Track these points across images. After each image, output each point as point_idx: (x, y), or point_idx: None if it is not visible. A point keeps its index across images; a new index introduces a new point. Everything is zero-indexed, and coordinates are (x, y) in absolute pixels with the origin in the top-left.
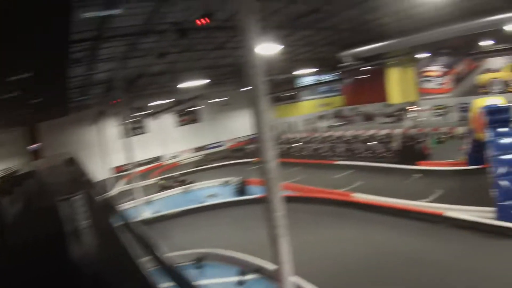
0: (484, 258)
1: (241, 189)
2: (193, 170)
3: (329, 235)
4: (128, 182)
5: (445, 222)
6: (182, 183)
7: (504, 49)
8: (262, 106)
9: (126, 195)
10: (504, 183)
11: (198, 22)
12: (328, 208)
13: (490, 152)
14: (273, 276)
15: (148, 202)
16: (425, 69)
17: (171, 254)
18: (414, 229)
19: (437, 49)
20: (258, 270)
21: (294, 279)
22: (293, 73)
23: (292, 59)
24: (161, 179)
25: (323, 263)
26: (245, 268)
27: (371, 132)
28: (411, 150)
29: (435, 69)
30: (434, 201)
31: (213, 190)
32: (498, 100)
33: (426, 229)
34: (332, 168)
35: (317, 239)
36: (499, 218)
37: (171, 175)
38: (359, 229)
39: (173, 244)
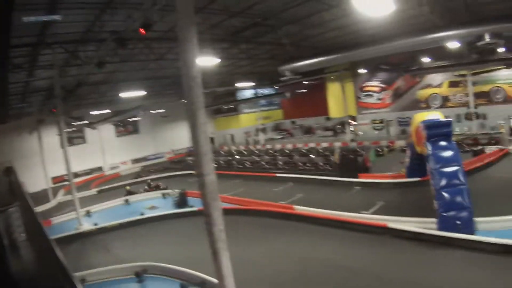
0: (426, 267)
1: (181, 201)
2: (133, 182)
3: (270, 248)
4: (68, 193)
5: (388, 233)
6: (157, 188)
7: (444, 66)
8: (200, 118)
9: (65, 206)
10: (445, 194)
11: (141, 30)
12: (269, 221)
13: (430, 165)
14: None
15: (88, 214)
16: (365, 84)
17: (111, 268)
18: (357, 241)
19: (377, 64)
20: (201, 284)
21: None
22: (233, 85)
23: (232, 72)
24: (127, 184)
25: (263, 275)
26: (187, 281)
27: (312, 145)
28: (351, 163)
29: (375, 84)
30: (375, 212)
31: (153, 202)
32: (437, 115)
33: (369, 240)
34: (272, 180)
35: (258, 252)
36: (441, 228)
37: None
38: (301, 241)
39: (113, 257)
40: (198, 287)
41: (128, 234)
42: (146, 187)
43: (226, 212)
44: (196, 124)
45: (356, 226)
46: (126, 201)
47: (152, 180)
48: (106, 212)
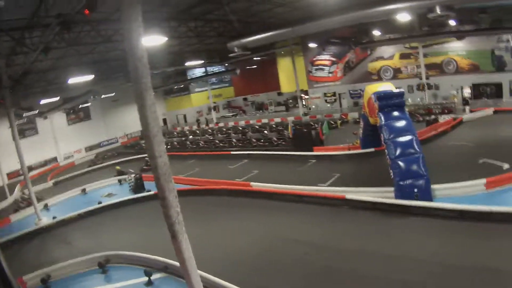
0: (385, 237)
1: (137, 186)
2: (89, 170)
3: (230, 227)
4: (24, 188)
5: (346, 205)
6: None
7: (394, 39)
8: (148, 99)
9: (22, 201)
10: (400, 163)
11: (86, 11)
12: (227, 199)
13: (384, 135)
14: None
15: (46, 208)
16: (316, 58)
17: (74, 261)
18: (316, 214)
19: (327, 38)
20: (164, 268)
21: (199, 273)
22: (183, 65)
23: (182, 51)
24: (116, 164)
25: (225, 255)
26: (151, 267)
27: (265, 121)
28: (305, 136)
29: (325, 58)
30: (332, 185)
31: (109, 189)
32: (389, 86)
33: (328, 212)
34: (227, 158)
35: (219, 232)
36: (398, 197)
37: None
38: (260, 218)
39: (75, 250)
40: (161, 272)
41: (88, 224)
42: (144, 166)
43: (183, 193)
44: (144, 105)
45: (314, 199)
46: (83, 190)
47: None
48: (64, 204)
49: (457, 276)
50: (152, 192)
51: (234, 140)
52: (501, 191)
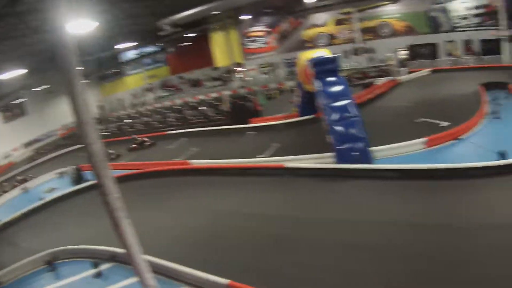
0: (328, 202)
1: (78, 177)
2: (29, 167)
3: (174, 207)
4: None
5: (287, 173)
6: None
7: (327, 5)
8: (78, 87)
9: None
10: (338, 128)
11: None
12: (168, 180)
13: (321, 101)
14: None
15: None
16: (249, 30)
17: (22, 263)
18: (258, 185)
19: (260, 9)
20: (112, 257)
21: (146, 258)
22: (115, 48)
23: (113, 34)
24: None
25: (173, 236)
26: (99, 258)
27: (201, 97)
28: (242, 109)
29: (259, 29)
30: (272, 155)
31: (50, 184)
32: (323, 52)
33: (269, 182)
34: (166, 139)
35: (163, 213)
36: (339, 161)
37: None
38: (202, 194)
39: (22, 251)
40: (110, 261)
41: (33, 223)
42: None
43: (122, 179)
44: (74, 93)
45: (254, 171)
46: (24, 189)
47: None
48: (7, 205)
49: (408, 234)
50: (93, 182)
51: (171, 119)
52: (440, 149)
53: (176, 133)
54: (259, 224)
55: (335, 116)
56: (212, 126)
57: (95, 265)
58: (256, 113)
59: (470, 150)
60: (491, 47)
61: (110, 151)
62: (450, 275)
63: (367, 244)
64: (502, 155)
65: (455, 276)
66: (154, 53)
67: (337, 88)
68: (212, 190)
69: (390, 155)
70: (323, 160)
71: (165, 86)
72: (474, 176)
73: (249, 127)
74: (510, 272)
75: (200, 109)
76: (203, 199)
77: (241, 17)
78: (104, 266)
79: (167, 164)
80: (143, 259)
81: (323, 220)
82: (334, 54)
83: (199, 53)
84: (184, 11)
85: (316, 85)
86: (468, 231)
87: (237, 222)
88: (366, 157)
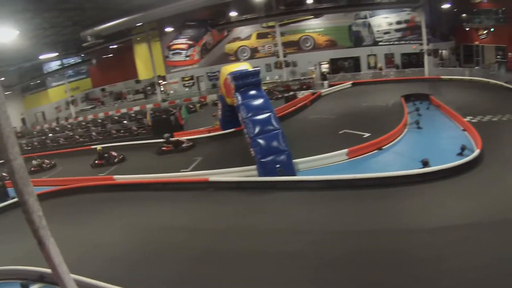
0: (253, 214)
1: (1, 194)
2: None
3: (100, 223)
4: None
5: (211, 187)
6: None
7: (250, 19)
8: None
9: None
10: (260, 141)
11: None
12: (92, 196)
13: (242, 115)
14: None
15: None
16: (172, 42)
17: None
18: (182, 199)
19: (183, 21)
20: (40, 278)
21: (73, 277)
22: (39, 59)
23: (37, 44)
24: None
25: (100, 253)
26: (27, 279)
27: (124, 110)
28: (164, 123)
29: (182, 41)
30: (195, 169)
31: None
32: (245, 66)
33: (194, 196)
34: (89, 153)
35: (89, 229)
36: (262, 174)
37: None
38: (129, 210)
39: None
40: (38, 282)
41: None
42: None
43: (46, 196)
44: None
45: (179, 185)
46: None
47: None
48: None
49: (332, 241)
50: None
51: (94, 133)
52: (363, 159)
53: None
54: (186, 238)
55: (256, 130)
56: (135, 140)
57: (23, 286)
58: (178, 127)
59: (392, 160)
60: (413, 60)
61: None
62: (378, 279)
63: (294, 253)
64: (425, 164)
65: (384, 280)
66: (77, 64)
67: (258, 102)
68: (137, 205)
69: (313, 167)
70: (246, 173)
71: (88, 98)
72: (397, 184)
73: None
74: (437, 272)
75: (123, 122)
76: (129, 215)
77: (164, 29)
78: (32, 287)
79: (91, 180)
80: (71, 278)
81: (248, 232)
82: (255, 67)
83: (123, 65)
84: (107, 22)
85: (237, 99)
86: (392, 236)
87: (165, 237)
88: (289, 169)
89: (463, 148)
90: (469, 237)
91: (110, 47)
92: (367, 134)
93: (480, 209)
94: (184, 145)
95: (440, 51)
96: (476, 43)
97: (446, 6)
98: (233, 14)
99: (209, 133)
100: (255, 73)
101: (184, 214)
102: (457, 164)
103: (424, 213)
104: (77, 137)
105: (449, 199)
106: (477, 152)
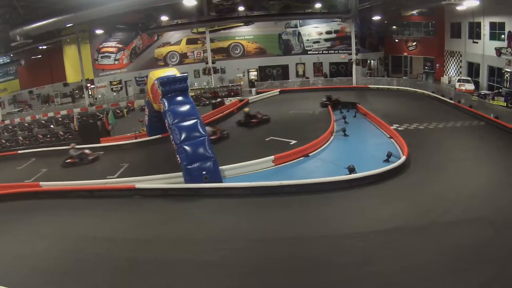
0: (179, 221)
1: None
2: None
3: (24, 232)
4: None
5: (137, 194)
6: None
7: (181, 24)
8: None
9: None
10: (186, 148)
11: None
12: (17, 204)
13: (168, 121)
14: None
15: None
16: (102, 45)
17: None
18: (108, 207)
19: (114, 24)
20: None
21: None
22: None
23: None
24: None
25: (22, 265)
26: None
27: (51, 114)
28: (91, 128)
29: (111, 44)
30: (122, 175)
31: None
32: (173, 72)
33: (121, 204)
34: (15, 159)
35: (12, 239)
36: (188, 181)
37: None
38: (54, 219)
39: None
40: None
41: None
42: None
43: None
44: None
45: (105, 193)
46: None
47: None
48: None
49: (256, 249)
50: None
51: (20, 138)
52: (289, 165)
53: (26, 153)
54: (113, 247)
55: (182, 136)
56: (61, 145)
57: None
58: (106, 132)
59: (318, 166)
60: (341, 69)
61: None
62: (301, 285)
63: (219, 261)
64: (351, 170)
65: (306, 286)
66: (5, 64)
67: (184, 108)
68: (62, 213)
69: (239, 173)
70: (173, 180)
71: (16, 101)
72: (323, 190)
73: (98, 147)
74: (360, 277)
75: (50, 127)
76: (52, 223)
77: (95, 31)
78: None
79: (16, 187)
80: None
81: (174, 240)
82: (183, 73)
83: (51, 67)
84: (38, 22)
85: (164, 105)
86: (316, 242)
87: (91, 246)
88: (215, 176)
89: (389, 155)
90: (393, 241)
91: (40, 47)
92: (293, 141)
93: (404, 213)
94: (89, 157)
95: (368, 61)
96: (405, 54)
97: (376, 17)
98: (164, 18)
99: (136, 139)
100: (183, 79)
101: (109, 222)
102: (383, 170)
103: (349, 218)
104: (3, 141)
105: (374, 204)
106: (403, 158)
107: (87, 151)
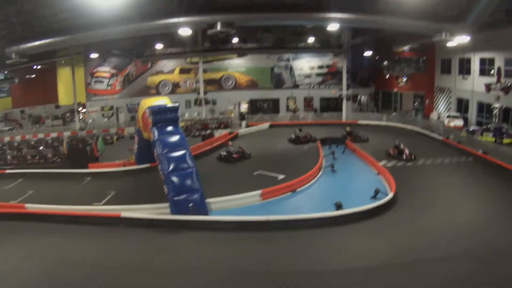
0: (164, 252)
1: None
2: None
3: (5, 254)
4: None
5: (122, 223)
6: None
7: (176, 53)
8: None
9: None
10: (174, 179)
11: None
12: (0, 224)
13: (157, 151)
14: None
15: None
16: (96, 70)
17: None
18: (92, 234)
19: (109, 49)
20: None
21: None
22: None
23: None
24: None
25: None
26: None
27: (41, 135)
28: (80, 153)
29: (105, 69)
30: (108, 203)
31: None
32: (164, 101)
33: (105, 232)
34: (2, 178)
35: None
36: (174, 212)
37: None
38: (36, 242)
39: None
40: None
41: None
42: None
43: None
44: None
45: (89, 219)
46: None
47: None
48: None
49: (239, 283)
50: None
51: (9, 157)
52: (277, 200)
53: (13, 173)
54: (95, 274)
55: (170, 167)
56: (50, 168)
57: None
58: (95, 158)
59: (306, 202)
60: (331, 104)
61: None
62: None
63: None
64: (338, 207)
65: None
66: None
67: (173, 138)
68: (44, 237)
69: (226, 207)
70: (159, 211)
71: (7, 119)
72: (310, 226)
73: (86, 173)
74: None
75: (39, 148)
76: (33, 247)
77: (89, 55)
78: None
79: (1, 207)
80: None
81: (154, 271)
82: (175, 103)
83: (45, 88)
84: (34, 40)
85: (154, 134)
86: (300, 279)
87: (72, 272)
88: (201, 209)
89: (376, 192)
90: (377, 278)
91: (34, 67)
92: (281, 176)
93: (390, 250)
94: None
95: (359, 97)
96: (395, 90)
97: (368, 53)
98: (159, 46)
99: (124, 166)
100: (174, 109)
101: (91, 249)
102: (371, 207)
103: (335, 255)
104: None
105: (361, 241)
106: (390, 195)
107: None
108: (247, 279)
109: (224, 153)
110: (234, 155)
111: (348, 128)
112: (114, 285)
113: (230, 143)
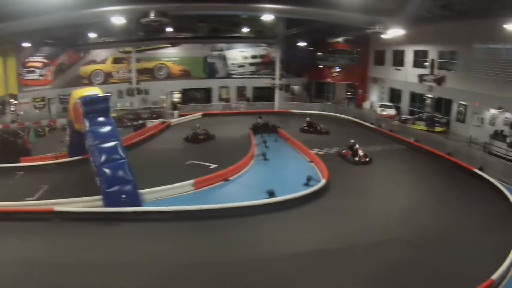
0: (99, 246)
1: None
2: None
3: None
4: None
5: (56, 217)
6: None
7: (108, 42)
8: None
9: None
10: (105, 170)
11: None
12: None
13: (89, 142)
14: None
15: None
16: (28, 59)
17: None
18: (25, 230)
19: (42, 38)
20: None
21: None
22: None
23: None
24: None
25: None
26: None
27: None
28: (12, 146)
29: (38, 59)
30: (41, 197)
31: None
32: (95, 91)
33: (39, 227)
34: None
35: None
36: (107, 204)
37: None
38: None
39: None
40: None
41: None
42: None
43: None
44: None
45: (22, 215)
46: None
47: None
48: None
49: (179, 275)
50: None
51: None
52: (210, 189)
53: None
54: (24, 274)
55: (102, 158)
56: None
57: None
58: (26, 151)
59: (238, 190)
60: (264, 94)
61: None
62: None
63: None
64: (270, 194)
65: None
66: None
67: (105, 129)
68: None
69: (160, 197)
70: (93, 203)
71: None
72: (243, 214)
73: (18, 167)
74: None
75: None
76: None
77: (22, 44)
78: None
79: None
80: None
81: (91, 266)
82: (106, 93)
83: None
84: None
85: (85, 125)
86: (236, 267)
87: (8, 270)
88: (134, 200)
89: (309, 179)
90: (313, 264)
91: None
92: (214, 165)
93: (324, 236)
94: None
95: (292, 87)
96: (328, 80)
97: (302, 44)
98: (91, 35)
99: (56, 159)
100: (105, 99)
101: (28, 246)
102: (303, 194)
103: (269, 242)
104: None
105: (294, 228)
106: (323, 182)
107: None
108: (185, 271)
109: (190, 135)
110: (200, 137)
111: (308, 119)
112: (54, 282)
113: (197, 125)
